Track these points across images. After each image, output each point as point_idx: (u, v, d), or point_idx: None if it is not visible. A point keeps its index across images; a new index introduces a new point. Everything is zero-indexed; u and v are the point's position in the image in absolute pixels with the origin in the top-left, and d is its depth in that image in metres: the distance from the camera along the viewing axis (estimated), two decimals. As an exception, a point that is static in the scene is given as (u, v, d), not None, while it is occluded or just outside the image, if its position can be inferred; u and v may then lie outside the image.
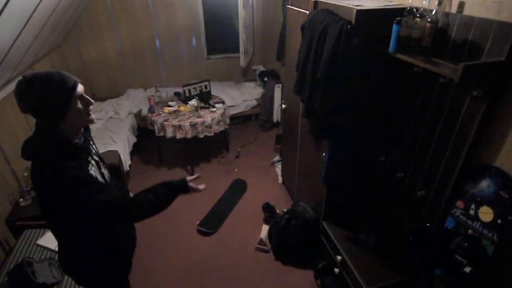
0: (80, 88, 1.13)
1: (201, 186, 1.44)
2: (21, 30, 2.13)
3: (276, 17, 4.37)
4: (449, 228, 1.54)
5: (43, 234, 2.26)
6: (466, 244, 1.46)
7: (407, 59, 1.51)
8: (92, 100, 1.19)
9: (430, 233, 1.61)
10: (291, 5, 2.54)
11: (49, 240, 2.17)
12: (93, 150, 1.33)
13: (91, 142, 1.35)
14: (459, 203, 1.51)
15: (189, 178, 1.42)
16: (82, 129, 1.27)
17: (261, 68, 5.03)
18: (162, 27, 4.55)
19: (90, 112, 1.19)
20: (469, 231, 1.46)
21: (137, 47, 4.57)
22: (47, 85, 1.05)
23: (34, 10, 2.14)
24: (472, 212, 1.45)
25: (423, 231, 1.64)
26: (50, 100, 1.06)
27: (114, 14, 4.28)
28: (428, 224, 1.63)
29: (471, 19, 1.39)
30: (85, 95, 1.16)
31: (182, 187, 1.39)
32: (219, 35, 4.96)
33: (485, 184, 1.41)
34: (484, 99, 1.32)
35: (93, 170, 1.22)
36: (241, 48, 4.33)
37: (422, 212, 1.78)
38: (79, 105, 1.13)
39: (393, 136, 1.96)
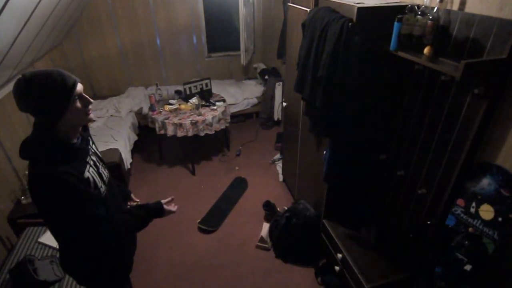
0: (79, 87, 1.13)
1: (174, 208, 1.52)
2: (22, 29, 2.13)
3: (276, 15, 4.36)
4: (449, 226, 1.54)
5: (44, 231, 2.27)
6: (466, 242, 1.46)
7: (408, 57, 1.51)
8: (91, 99, 1.19)
9: (431, 231, 1.61)
10: (292, 3, 2.53)
11: (50, 238, 2.17)
12: (92, 150, 1.32)
13: (90, 142, 1.35)
14: (460, 201, 1.51)
15: (163, 201, 1.49)
16: (81, 129, 1.26)
17: (262, 66, 5.03)
18: (162, 25, 4.55)
19: (89, 112, 1.19)
20: (470, 229, 1.46)
21: (138, 45, 4.57)
22: (46, 84, 1.05)
23: (35, 8, 2.13)
24: (472, 210, 1.45)
25: (424, 229, 1.64)
26: (50, 98, 1.05)
27: (115, 12, 4.28)
28: (428, 222, 1.63)
29: (472, 16, 1.38)
30: (84, 94, 1.16)
31: (158, 210, 1.45)
32: (220, 33, 4.96)
33: (486, 182, 1.41)
34: (486, 97, 1.32)
35: (90, 172, 1.21)
36: (242, 46, 4.33)
37: (423, 210, 1.78)
38: (78, 104, 1.13)
39: (394, 134, 1.96)
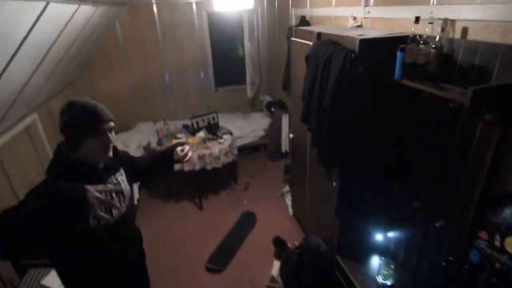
0: (106, 125, 1.18)
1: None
2: (35, 70, 2.21)
3: (281, 49, 4.49)
4: (474, 262, 1.43)
5: (47, 273, 2.20)
6: (494, 279, 1.33)
7: (414, 85, 1.49)
8: (112, 140, 1.22)
9: (454, 268, 1.49)
10: (295, 37, 2.60)
11: (53, 280, 2.10)
12: (115, 181, 1.31)
13: (118, 174, 1.34)
14: (483, 234, 1.40)
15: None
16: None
17: (268, 98, 5.10)
18: (171, 62, 4.72)
19: (108, 152, 1.22)
20: (496, 265, 1.34)
21: (147, 82, 4.72)
22: (78, 111, 1.14)
23: (48, 50, 2.23)
24: (497, 243, 1.34)
25: (446, 266, 1.52)
26: (74, 124, 1.13)
27: (126, 50, 4.48)
28: (450, 258, 1.52)
29: (476, 43, 1.38)
30: (109, 134, 1.20)
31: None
32: (226, 67, 5.12)
33: (508, 213, 1.31)
34: (498, 122, 1.27)
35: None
36: (248, 80, 4.42)
37: (443, 245, 1.67)
38: (98, 139, 1.17)
39: (405, 164, 1.89)
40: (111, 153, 1.24)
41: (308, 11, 3.32)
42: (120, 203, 1.32)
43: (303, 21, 3.33)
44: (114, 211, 1.27)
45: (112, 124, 1.22)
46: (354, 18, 2.38)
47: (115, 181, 1.32)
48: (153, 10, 4.33)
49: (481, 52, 1.35)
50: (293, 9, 3.77)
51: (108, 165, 1.30)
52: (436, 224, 1.68)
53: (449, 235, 1.62)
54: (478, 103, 1.19)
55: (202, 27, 4.70)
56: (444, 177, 1.61)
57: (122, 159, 1.43)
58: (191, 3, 4.48)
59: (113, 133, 1.25)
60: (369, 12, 2.16)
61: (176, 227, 3.32)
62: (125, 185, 1.37)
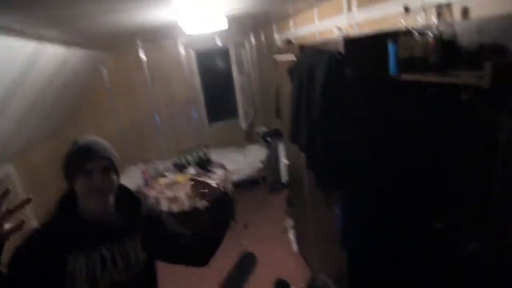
0: (96, 163, 0.98)
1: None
2: None
3: (272, 78, 4.39)
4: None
5: None
6: None
7: (414, 77, 1.25)
8: (99, 183, 0.97)
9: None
10: (278, 56, 2.43)
11: None
12: (116, 246, 1.01)
13: (125, 237, 1.04)
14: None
15: None
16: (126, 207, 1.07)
17: (264, 129, 4.91)
18: (161, 103, 4.61)
19: (101, 195, 0.98)
20: None
21: (137, 124, 4.59)
22: (70, 149, 1.02)
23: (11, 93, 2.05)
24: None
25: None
26: (64, 164, 1.02)
27: (114, 95, 4.38)
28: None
29: (482, 21, 1.16)
30: (96, 177, 0.97)
31: None
32: (219, 102, 5.01)
33: None
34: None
35: (78, 263, 0.95)
36: (240, 111, 4.27)
37: (480, 273, 1.31)
38: (87, 180, 0.97)
39: (419, 175, 1.59)
40: (108, 198, 1.00)
41: (292, 33, 3.23)
42: (113, 274, 1.01)
43: (289, 43, 3.23)
44: (102, 281, 0.98)
45: (104, 162, 1.00)
46: (340, 29, 2.22)
47: (122, 248, 1.03)
48: (138, 54, 4.29)
49: (491, 28, 1.13)
50: (278, 35, 3.71)
51: (122, 225, 1.04)
52: (468, 248, 1.34)
53: (486, 261, 1.28)
54: (500, 84, 0.93)
55: (191, 65, 4.67)
56: (469, 186, 1.31)
57: (145, 220, 1.12)
58: (177, 43, 4.46)
59: (112, 175, 1.02)
60: (353, 18, 2.00)
61: (167, 275, 2.92)
62: (135, 255, 1.05)
